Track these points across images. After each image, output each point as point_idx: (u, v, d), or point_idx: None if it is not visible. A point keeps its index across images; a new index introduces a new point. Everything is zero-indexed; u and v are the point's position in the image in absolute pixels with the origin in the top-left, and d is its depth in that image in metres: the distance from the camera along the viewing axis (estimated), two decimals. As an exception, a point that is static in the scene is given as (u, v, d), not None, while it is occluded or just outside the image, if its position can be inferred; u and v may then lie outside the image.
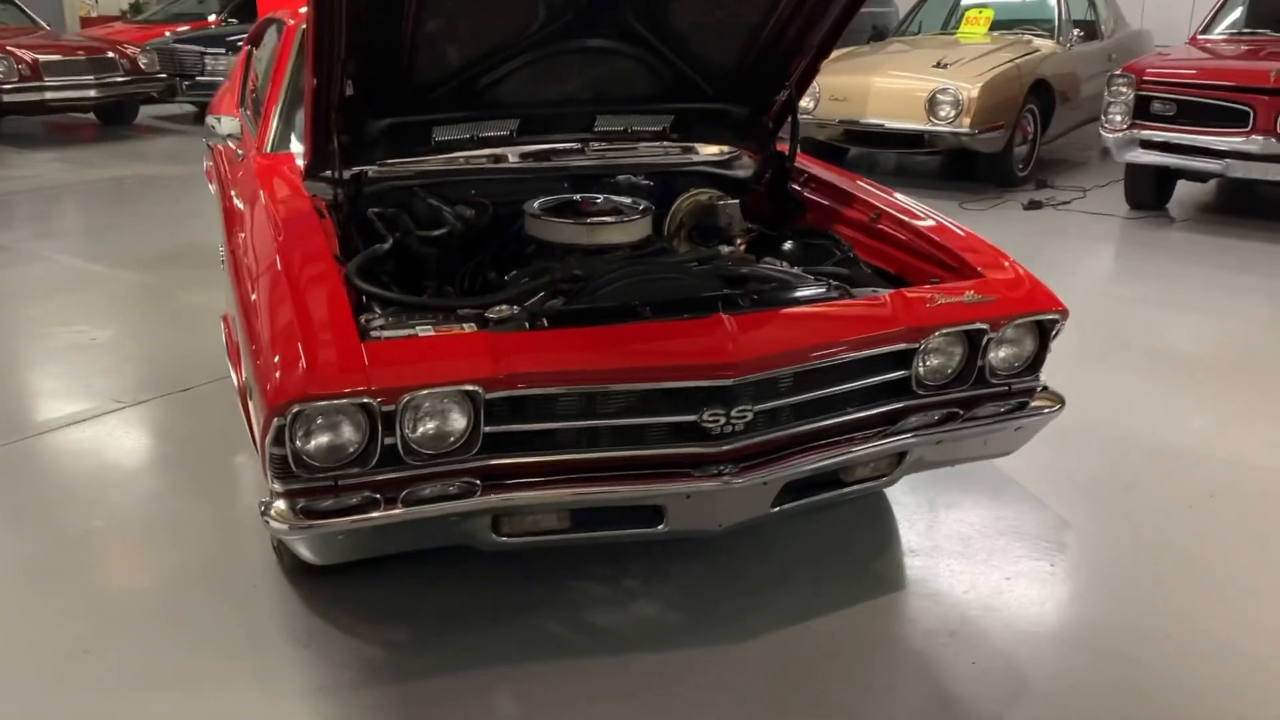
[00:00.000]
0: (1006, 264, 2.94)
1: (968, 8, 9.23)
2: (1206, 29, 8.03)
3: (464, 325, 2.49)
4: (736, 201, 3.40)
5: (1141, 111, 7.06)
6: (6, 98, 9.98)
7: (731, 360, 2.42)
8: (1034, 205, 7.60)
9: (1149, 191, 7.46)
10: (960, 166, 8.58)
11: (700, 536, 2.69)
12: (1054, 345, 2.88)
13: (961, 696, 2.57)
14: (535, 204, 3.15)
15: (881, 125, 7.94)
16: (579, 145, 3.52)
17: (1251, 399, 4.28)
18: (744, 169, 3.65)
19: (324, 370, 2.26)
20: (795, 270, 2.97)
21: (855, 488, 2.74)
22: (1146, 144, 7.08)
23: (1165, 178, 7.44)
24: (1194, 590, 2.98)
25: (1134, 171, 7.44)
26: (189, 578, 2.97)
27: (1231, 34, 7.89)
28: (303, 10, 3.18)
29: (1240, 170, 6.81)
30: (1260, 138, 6.61)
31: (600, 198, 3.25)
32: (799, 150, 3.58)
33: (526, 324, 2.52)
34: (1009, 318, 2.74)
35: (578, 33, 3.08)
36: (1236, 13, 8.00)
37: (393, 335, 2.42)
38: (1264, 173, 6.76)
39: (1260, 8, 7.89)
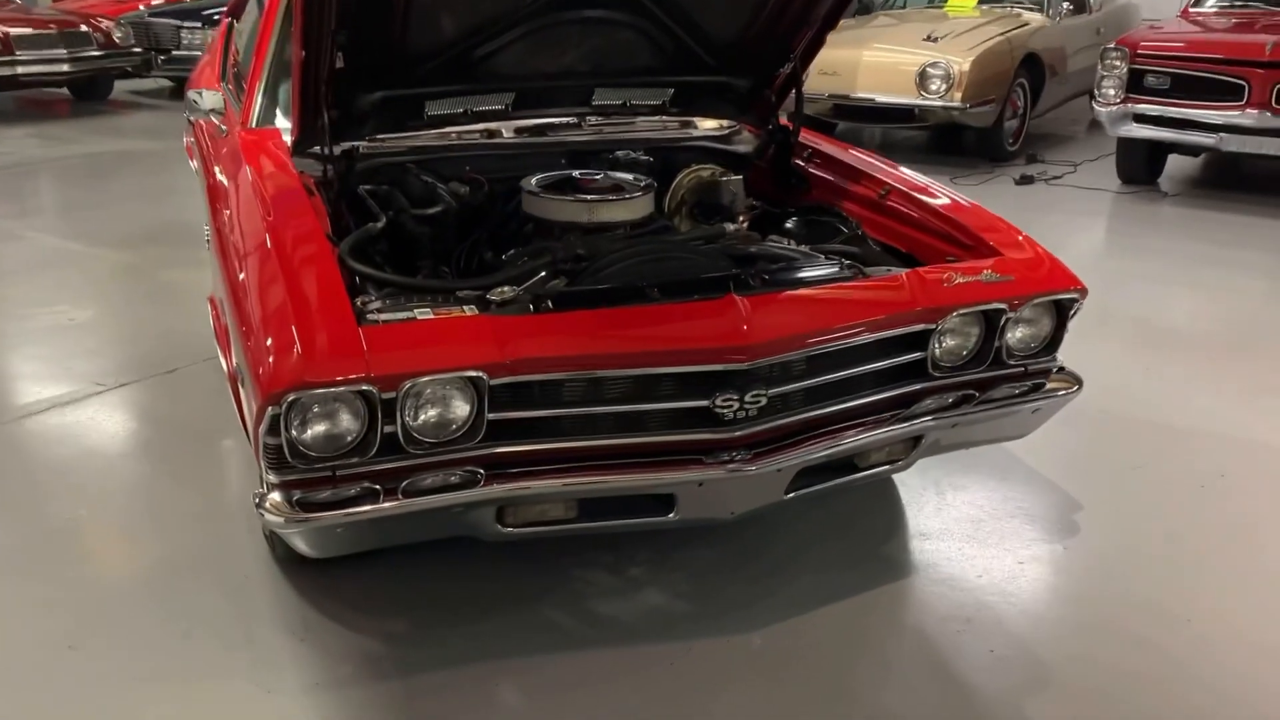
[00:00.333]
0: (1022, 240, 2.86)
1: (956, -20, 9.13)
2: (1197, 2, 7.96)
3: (464, 308, 2.40)
4: (740, 178, 3.32)
5: (1135, 85, 7.02)
6: (-23, 73, 9.76)
7: (746, 343, 2.34)
8: (1025, 180, 7.53)
9: (1141, 166, 7.42)
10: (947, 141, 8.52)
11: (711, 525, 2.61)
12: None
13: (981, 686, 2.50)
14: (533, 180, 3.05)
15: (873, 100, 7.86)
16: (576, 120, 3.41)
17: (1253, 375, 4.23)
18: (745, 144, 3.55)
19: (321, 356, 2.16)
20: (805, 249, 2.88)
21: (870, 472, 2.67)
22: (1140, 118, 7.04)
23: (1157, 152, 7.40)
24: (1213, 573, 2.92)
25: (1126, 146, 7.40)
26: (178, 568, 2.87)
27: (1223, 6, 7.84)
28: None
29: (1234, 144, 6.78)
30: (1255, 111, 6.57)
31: (600, 174, 3.15)
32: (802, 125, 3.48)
33: (530, 306, 2.43)
34: (1028, 297, 2.66)
35: (576, 2, 2.97)
36: (1226, -15, 7.95)
37: (391, 319, 2.32)
38: (1258, 146, 6.72)
39: (1250, -20, 7.84)
